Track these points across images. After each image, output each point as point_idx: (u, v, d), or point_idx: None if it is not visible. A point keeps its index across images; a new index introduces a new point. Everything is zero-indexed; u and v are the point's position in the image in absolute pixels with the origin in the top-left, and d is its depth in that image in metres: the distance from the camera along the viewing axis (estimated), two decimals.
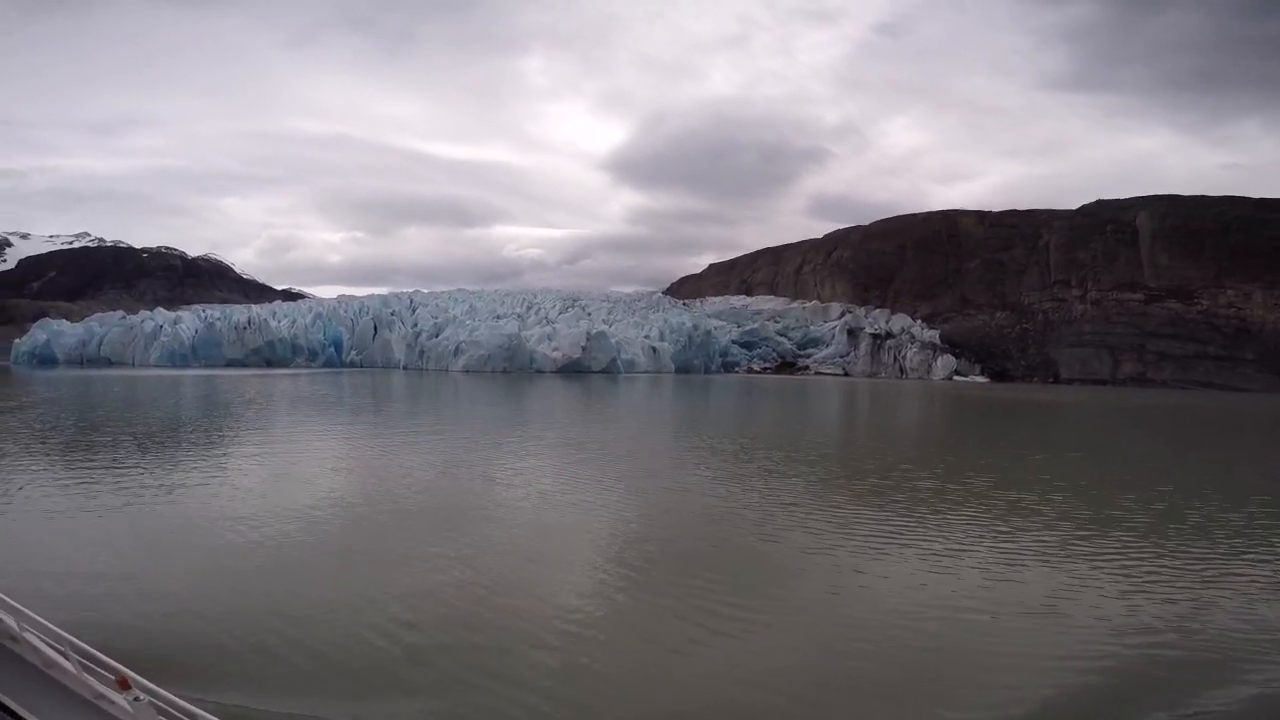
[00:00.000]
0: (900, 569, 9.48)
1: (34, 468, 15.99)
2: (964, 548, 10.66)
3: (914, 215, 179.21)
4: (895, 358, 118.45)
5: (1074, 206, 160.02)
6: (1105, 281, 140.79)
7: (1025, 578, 9.39)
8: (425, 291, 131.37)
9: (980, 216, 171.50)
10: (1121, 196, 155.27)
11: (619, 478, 16.33)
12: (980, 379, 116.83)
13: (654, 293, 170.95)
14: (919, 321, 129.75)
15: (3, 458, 17.36)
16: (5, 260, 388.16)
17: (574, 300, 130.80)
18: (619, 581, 8.85)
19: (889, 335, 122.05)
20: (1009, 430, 34.57)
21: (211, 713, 3.59)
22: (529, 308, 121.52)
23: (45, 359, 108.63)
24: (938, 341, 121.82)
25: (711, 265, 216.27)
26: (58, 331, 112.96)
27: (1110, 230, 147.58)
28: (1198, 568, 10.16)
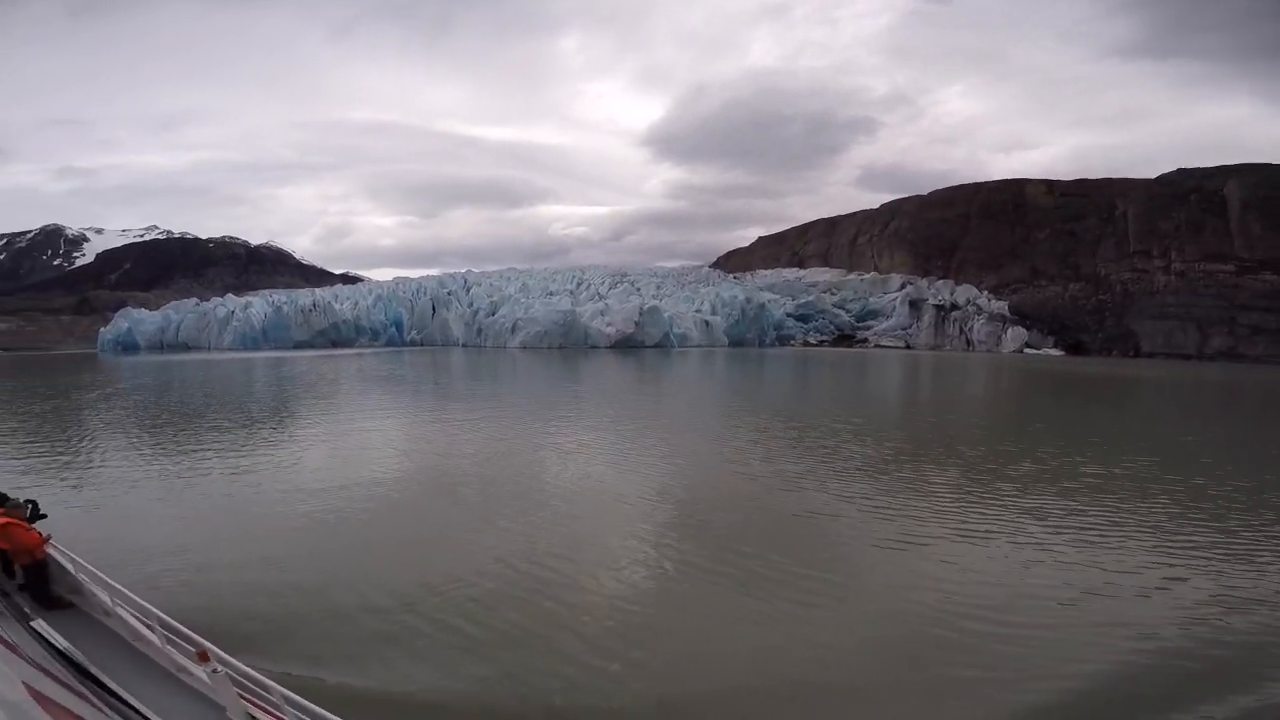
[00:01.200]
0: (964, 549, 9.14)
1: (127, 447, 16.50)
2: (1033, 529, 10.13)
3: (976, 184, 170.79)
4: (961, 330, 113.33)
5: (1150, 176, 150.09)
6: (1191, 252, 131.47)
7: (1098, 561, 8.82)
8: (477, 271, 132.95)
9: (1049, 186, 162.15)
10: (1203, 166, 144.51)
11: (682, 452, 15.88)
12: (1054, 352, 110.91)
13: (701, 266, 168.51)
14: (985, 293, 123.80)
15: (103, 439, 17.92)
16: (84, 254, 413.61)
17: (622, 276, 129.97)
18: (678, 555, 8.79)
19: (954, 307, 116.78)
20: (1090, 406, 31.74)
21: (282, 683, 3.64)
22: (579, 284, 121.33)
23: (128, 345, 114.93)
24: (1007, 313, 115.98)
25: (760, 238, 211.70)
26: (138, 319, 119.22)
27: (1195, 200, 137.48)
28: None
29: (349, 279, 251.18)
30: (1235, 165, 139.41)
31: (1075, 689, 5.88)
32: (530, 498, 11.55)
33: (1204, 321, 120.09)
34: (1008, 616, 7.10)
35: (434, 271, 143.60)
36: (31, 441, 18.07)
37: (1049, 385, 44.15)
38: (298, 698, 3.49)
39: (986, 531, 9.98)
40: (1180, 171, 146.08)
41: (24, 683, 1.70)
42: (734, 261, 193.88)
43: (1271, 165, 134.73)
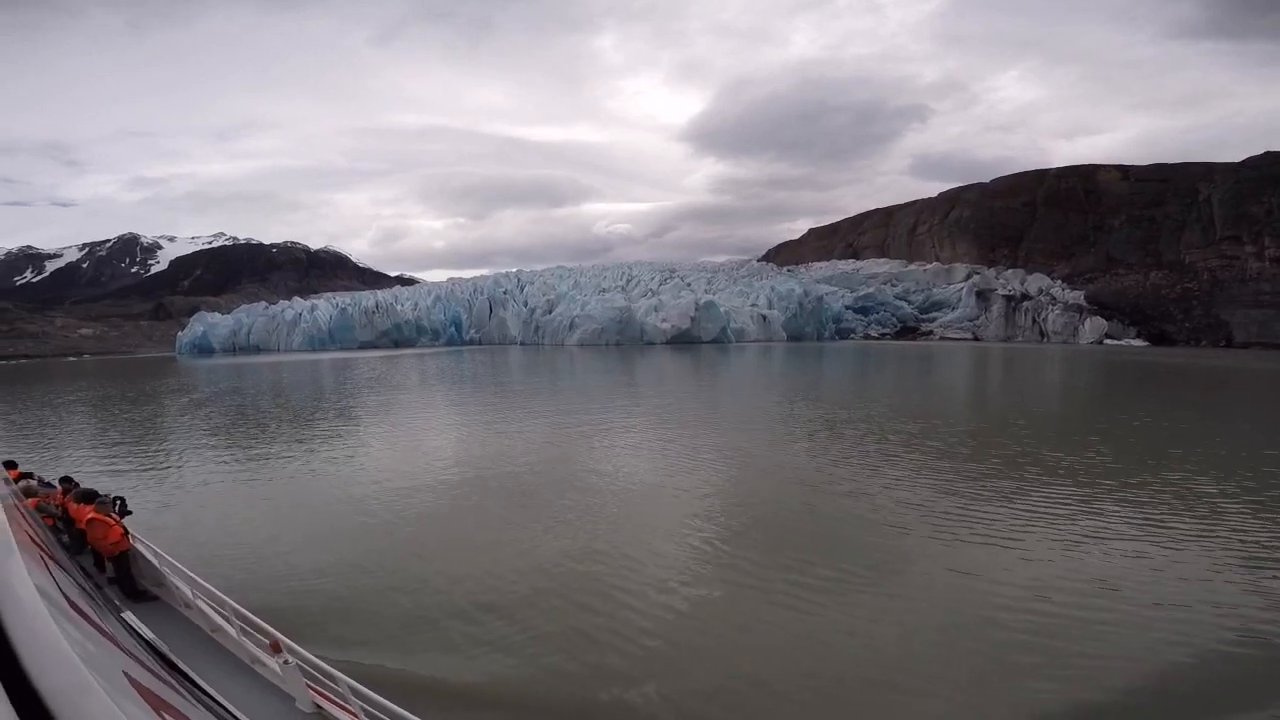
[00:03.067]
0: (1011, 553, 8.86)
1: (208, 448, 17.14)
2: (1091, 532, 9.67)
3: (1042, 171, 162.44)
4: (1034, 320, 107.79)
5: (1231, 159, 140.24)
6: None
7: (1153, 565, 8.42)
8: (528, 270, 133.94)
9: (1123, 171, 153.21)
10: None
11: (742, 453, 15.63)
12: (1137, 342, 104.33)
13: (749, 260, 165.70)
14: (1059, 282, 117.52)
15: (185, 440, 18.66)
16: (159, 261, 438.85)
17: (671, 271, 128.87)
18: (725, 550, 8.82)
19: (1025, 297, 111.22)
20: (1190, 400, 29.00)
21: (348, 672, 3.76)
22: (629, 281, 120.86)
23: (203, 348, 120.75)
24: (1084, 303, 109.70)
25: (811, 230, 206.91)
26: (212, 323, 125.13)
27: None
28: None
29: (404, 281, 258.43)
30: None
31: (1121, 689, 5.72)
32: (592, 497, 11.56)
33: None
34: (1064, 624, 6.84)
35: (484, 272, 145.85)
36: (122, 443, 18.80)
37: (1140, 379, 40.86)
38: (363, 688, 3.57)
39: (1043, 536, 9.56)
40: (1268, 155, 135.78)
41: (123, 671, 1.86)
42: (784, 255, 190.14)
43: None
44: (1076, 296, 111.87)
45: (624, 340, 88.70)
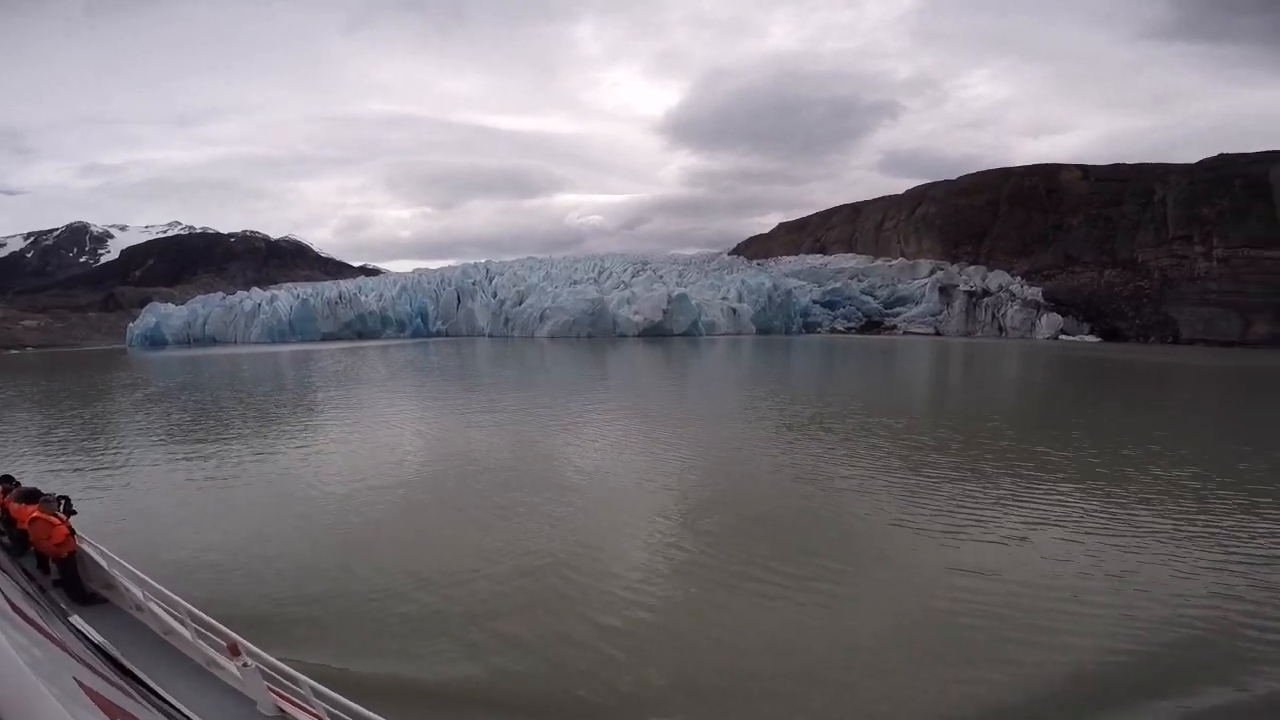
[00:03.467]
0: (978, 543, 8.93)
1: (160, 445, 16.46)
2: (1044, 521, 9.85)
3: (1006, 169, 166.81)
4: (993, 316, 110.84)
5: (1191, 160, 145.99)
6: (1235, 238, 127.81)
7: (1118, 553, 8.54)
8: (497, 261, 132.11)
9: (1084, 171, 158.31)
10: (1244, 151, 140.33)
11: (717, 445, 15.65)
12: (1090, 338, 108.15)
13: (720, 253, 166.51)
14: (1018, 279, 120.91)
15: (136, 437, 17.84)
16: (110, 251, 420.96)
17: (644, 264, 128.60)
18: (702, 547, 8.70)
19: (985, 293, 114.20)
20: (1133, 396, 30.21)
21: (310, 674, 3.70)
22: (601, 273, 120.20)
23: (156, 340, 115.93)
24: (1041, 299, 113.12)
25: (781, 224, 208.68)
26: (165, 314, 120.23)
27: (1239, 185, 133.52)
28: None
29: (368, 271, 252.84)
30: None
31: (1081, 677, 5.81)
32: (563, 493, 11.31)
33: (1247, 308, 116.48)
34: (1022, 605, 6.99)
35: (452, 262, 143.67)
36: (68, 440, 17.91)
37: (1091, 373, 42.28)
38: (326, 690, 3.49)
39: (1004, 525, 9.68)
40: (1222, 157, 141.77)
41: (74, 678, 1.83)
42: (754, 248, 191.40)
43: None
44: (1034, 293, 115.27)
45: (596, 332, 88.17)
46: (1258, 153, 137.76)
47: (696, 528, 9.48)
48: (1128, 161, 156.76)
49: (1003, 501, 10.79)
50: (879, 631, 6.51)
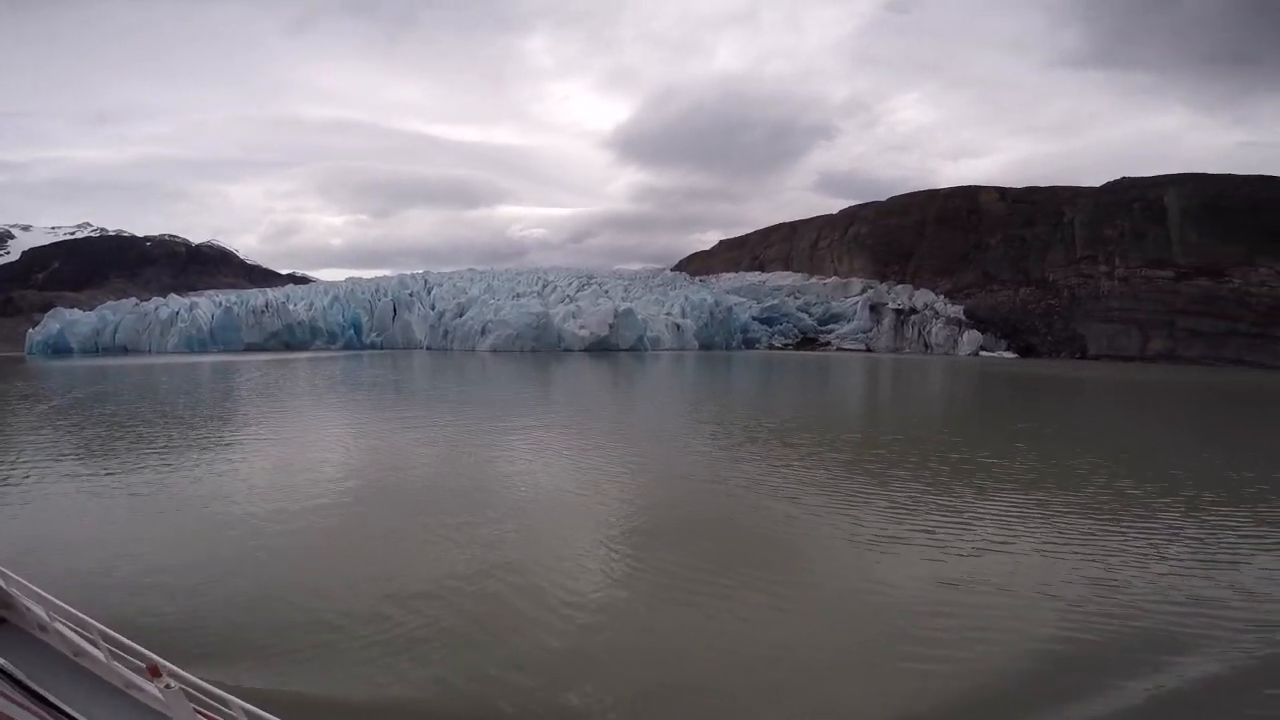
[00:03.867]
0: (915, 550, 9.21)
1: (64, 460, 15.51)
2: (992, 526, 10.29)
3: (933, 191, 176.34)
4: (920, 333, 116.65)
5: (1097, 184, 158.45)
6: (1134, 259, 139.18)
7: (1052, 553, 9.08)
8: (436, 272, 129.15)
9: (1001, 193, 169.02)
10: (1143, 174, 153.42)
11: (663, 459, 15.80)
12: (1007, 354, 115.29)
13: (663, 269, 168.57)
14: (942, 297, 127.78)
15: (38, 452, 16.75)
16: (8, 252, 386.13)
17: (589, 278, 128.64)
18: (641, 560, 8.66)
19: (912, 311, 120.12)
20: (1041, 406, 33.14)
21: (237, 695, 3.55)
22: (544, 286, 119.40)
23: (59, 348, 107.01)
24: (963, 317, 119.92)
25: (722, 241, 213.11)
26: (70, 320, 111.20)
27: (1137, 208, 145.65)
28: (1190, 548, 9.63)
29: (296, 279, 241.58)
30: (1174, 175, 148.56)
31: (1018, 676, 6.08)
32: (504, 507, 11.14)
33: (1145, 325, 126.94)
34: (965, 610, 7.22)
35: (387, 272, 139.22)
36: None
37: (1004, 387, 45.53)
38: (258, 711, 3.38)
39: (946, 529, 10.09)
40: (1124, 180, 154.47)
41: None
42: (695, 264, 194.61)
43: (1207, 175, 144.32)
44: (957, 311, 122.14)
45: (540, 347, 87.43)
46: (1154, 176, 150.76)
47: (641, 542, 9.44)
48: (1040, 184, 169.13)
49: (945, 507, 11.35)
50: (829, 638, 6.66)
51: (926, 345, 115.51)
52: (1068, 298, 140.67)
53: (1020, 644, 6.58)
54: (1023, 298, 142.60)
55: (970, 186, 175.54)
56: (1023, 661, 6.30)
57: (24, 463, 15.23)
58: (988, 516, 10.88)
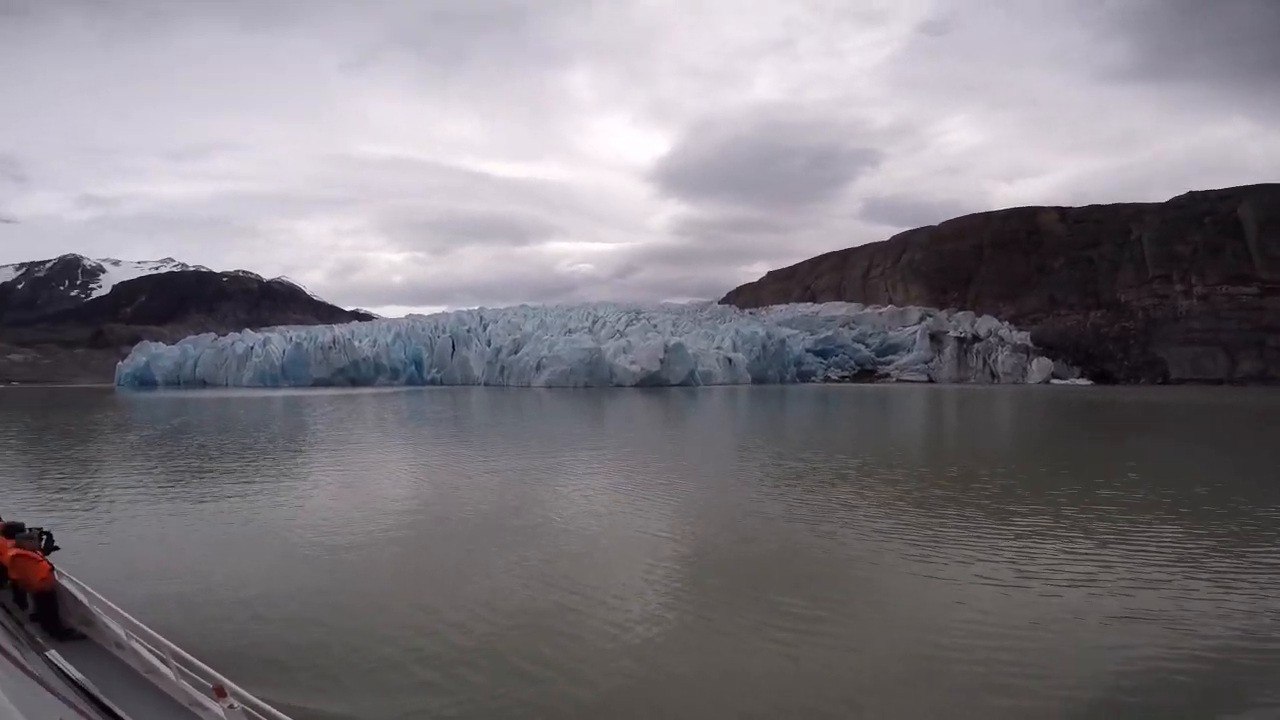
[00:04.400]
0: (980, 587, 8.89)
1: (151, 486, 16.50)
2: (1063, 566, 9.77)
3: (988, 214, 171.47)
4: (985, 362, 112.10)
5: (1161, 199, 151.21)
6: (1212, 275, 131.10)
7: (1124, 596, 8.52)
8: (491, 309, 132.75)
9: (1062, 213, 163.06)
10: (1210, 188, 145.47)
11: (721, 496, 15.61)
12: (1081, 382, 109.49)
13: (710, 302, 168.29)
14: (1006, 324, 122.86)
15: (126, 479, 17.95)
16: (101, 286, 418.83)
17: (637, 313, 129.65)
18: (697, 595, 8.70)
19: (975, 339, 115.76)
20: (1128, 438, 30.89)
21: (301, 716, 3.70)
22: (594, 321, 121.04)
23: (145, 380, 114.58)
24: (1030, 344, 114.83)
25: (770, 273, 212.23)
26: (156, 354, 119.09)
27: (1209, 222, 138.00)
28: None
29: (360, 315, 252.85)
30: (1247, 186, 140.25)
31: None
32: (565, 542, 11.33)
33: (1231, 345, 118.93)
34: (1029, 651, 6.97)
35: (443, 309, 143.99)
36: (57, 480, 18.11)
37: (1084, 417, 42.75)
38: None
39: (1012, 568, 9.65)
40: (1192, 194, 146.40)
41: (60, 718, 1.83)
42: (744, 297, 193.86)
43: None
44: (1023, 337, 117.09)
45: (593, 382, 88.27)
46: (1225, 189, 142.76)
47: (693, 574, 9.50)
48: (1102, 202, 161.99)
49: (1010, 546, 10.94)
50: (878, 672, 6.56)
51: (993, 374, 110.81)
52: (1143, 319, 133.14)
53: (1088, 692, 6.26)
54: (1094, 321, 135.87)
55: (1028, 208, 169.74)
56: (1085, 709, 5.99)
57: (116, 489, 16.34)
58: (1067, 557, 10.31)
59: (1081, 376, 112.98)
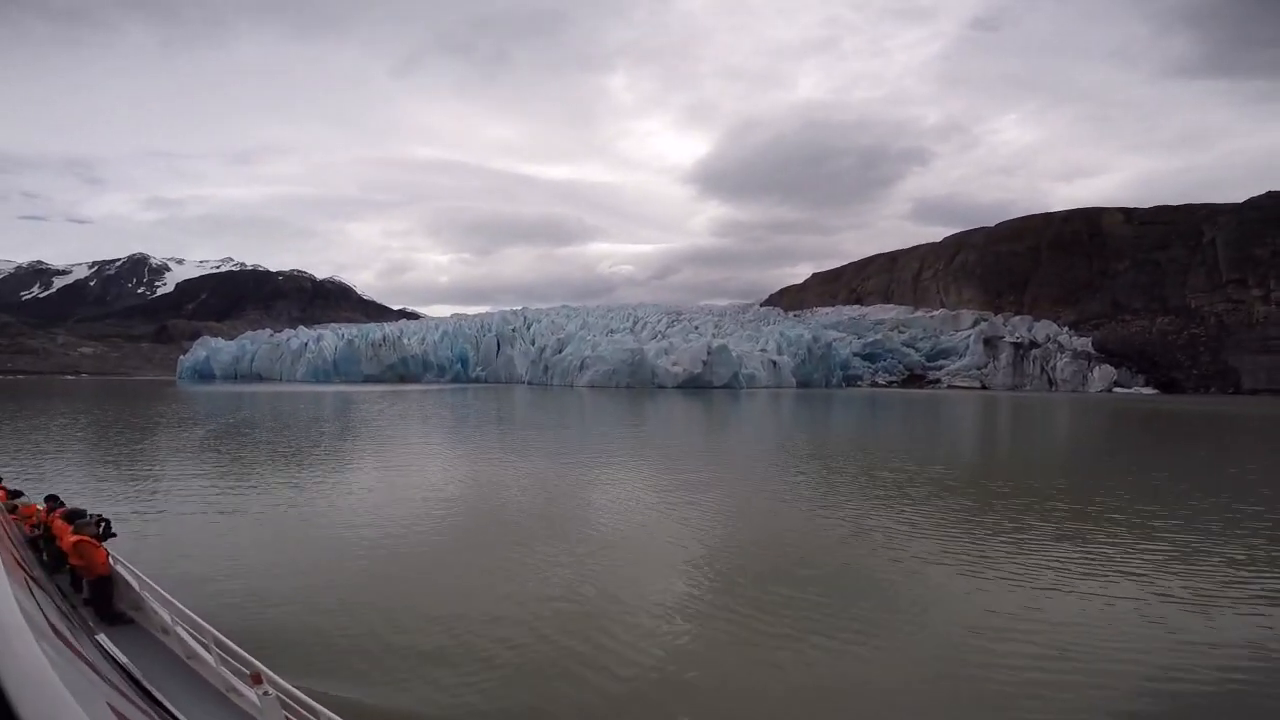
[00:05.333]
0: (1016, 599, 8.65)
1: (205, 477, 17.06)
2: (1104, 578, 9.49)
3: (1046, 215, 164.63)
4: (1042, 369, 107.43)
5: (1233, 200, 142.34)
6: None
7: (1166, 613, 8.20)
8: (534, 309, 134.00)
9: (1126, 214, 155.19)
10: None
11: (764, 504, 15.12)
12: (1146, 390, 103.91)
13: (751, 304, 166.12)
14: (1066, 329, 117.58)
15: (182, 468, 18.59)
16: (165, 284, 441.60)
17: (678, 314, 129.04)
18: (732, 598, 8.59)
19: (1033, 344, 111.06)
20: (1214, 454, 28.60)
21: (332, 705, 3.74)
22: (635, 322, 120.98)
23: (205, 374, 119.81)
24: (1092, 350, 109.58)
25: (814, 274, 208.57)
26: (215, 349, 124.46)
27: None
28: None
29: (407, 315, 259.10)
30: None
31: None
32: (604, 542, 11.36)
33: None
34: (1068, 662, 6.80)
35: (487, 309, 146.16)
36: (116, 465, 18.86)
37: (1155, 428, 39.93)
38: None
39: (1047, 584, 9.34)
40: (1271, 195, 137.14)
41: (107, 703, 1.89)
42: (787, 299, 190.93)
43: None
44: (1084, 344, 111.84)
45: (635, 383, 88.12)
46: None
47: (725, 579, 9.43)
48: (1169, 203, 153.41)
49: (1059, 561, 10.45)
50: (909, 682, 6.42)
51: (1051, 381, 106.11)
52: (1215, 326, 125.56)
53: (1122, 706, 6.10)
54: (1160, 328, 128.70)
55: (1090, 208, 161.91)
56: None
57: (167, 475, 17.12)
58: (1111, 573, 9.86)
59: (1146, 385, 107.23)
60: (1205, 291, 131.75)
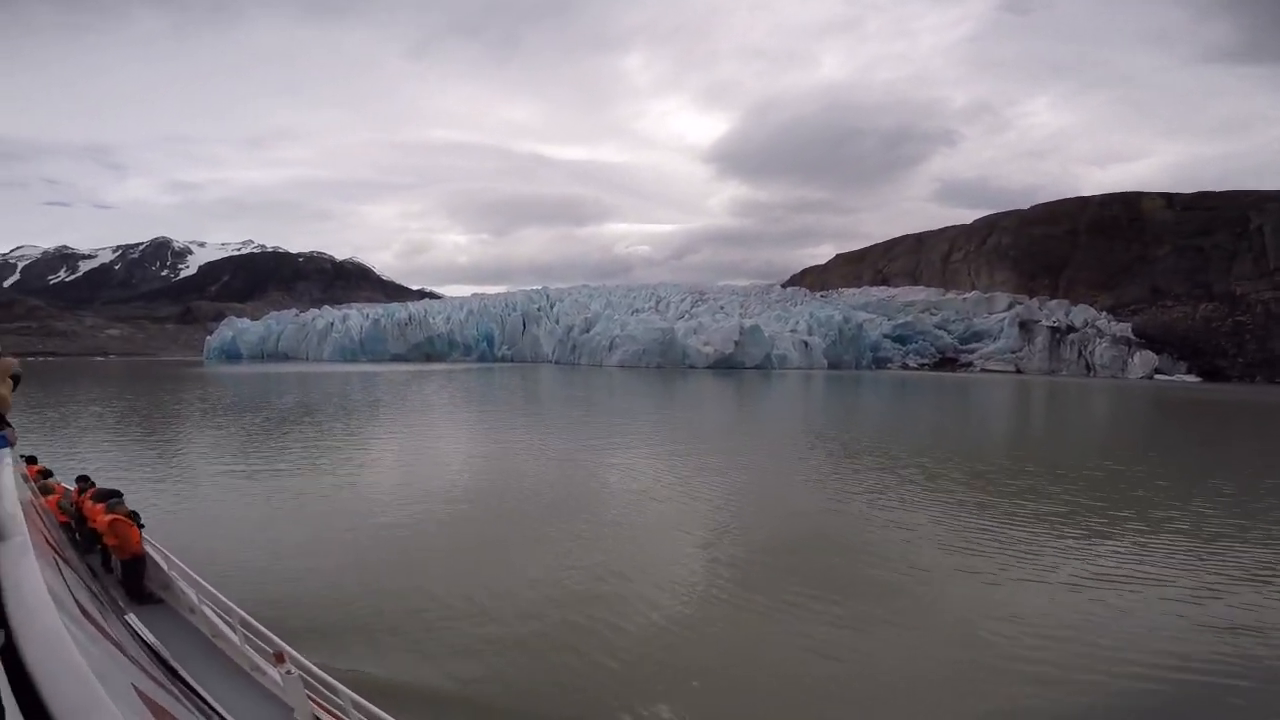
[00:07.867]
0: (1047, 596, 8.44)
1: (231, 457, 17.13)
2: (1117, 570, 9.37)
3: (1083, 198, 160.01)
4: (1080, 353, 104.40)
5: (1273, 187, 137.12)
6: None
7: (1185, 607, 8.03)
8: (555, 288, 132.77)
9: (1168, 199, 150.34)
10: None
11: (801, 487, 14.95)
12: (1189, 378, 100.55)
13: (772, 285, 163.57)
14: (1105, 314, 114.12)
15: (209, 448, 18.57)
16: (188, 266, 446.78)
17: (701, 294, 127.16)
18: (731, 580, 8.66)
19: (1070, 329, 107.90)
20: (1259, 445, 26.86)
21: (352, 682, 3.83)
22: (658, 302, 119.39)
23: (231, 354, 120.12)
24: (1132, 336, 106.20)
25: (838, 255, 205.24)
26: (242, 329, 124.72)
27: None
28: None
29: (426, 295, 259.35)
30: None
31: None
32: (616, 522, 11.39)
33: None
34: (1078, 653, 6.77)
35: (505, 288, 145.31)
36: (139, 444, 18.90)
37: (1207, 418, 37.78)
38: (365, 702, 3.58)
39: (1069, 577, 9.16)
40: None
41: (133, 685, 1.94)
42: (809, 279, 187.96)
43: None
44: (1124, 329, 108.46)
45: (665, 363, 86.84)
46: None
47: (740, 563, 9.39)
48: (1210, 189, 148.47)
49: (1072, 552, 10.25)
50: (915, 671, 6.41)
51: (1089, 367, 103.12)
52: (1262, 314, 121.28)
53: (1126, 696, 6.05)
54: (1204, 314, 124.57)
55: (1129, 193, 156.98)
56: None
57: (194, 456, 17.14)
58: (1125, 564, 9.63)
59: (1189, 373, 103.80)
60: (1252, 279, 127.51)
